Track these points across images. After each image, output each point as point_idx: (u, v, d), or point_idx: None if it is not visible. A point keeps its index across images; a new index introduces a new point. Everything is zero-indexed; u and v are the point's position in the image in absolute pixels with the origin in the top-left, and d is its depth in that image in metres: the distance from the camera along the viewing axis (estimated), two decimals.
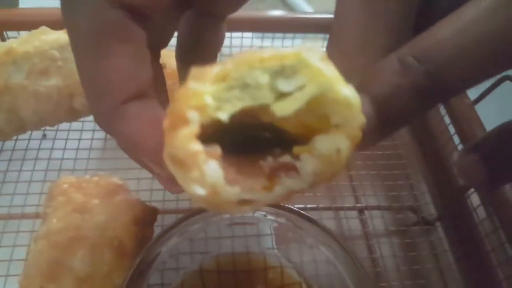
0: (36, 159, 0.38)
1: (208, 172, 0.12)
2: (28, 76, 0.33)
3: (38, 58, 0.34)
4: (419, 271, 0.35)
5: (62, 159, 0.38)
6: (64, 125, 0.39)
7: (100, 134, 0.41)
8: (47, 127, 0.38)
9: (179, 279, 0.30)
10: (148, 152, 0.16)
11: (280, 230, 0.33)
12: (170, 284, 0.29)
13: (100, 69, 0.15)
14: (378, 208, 0.38)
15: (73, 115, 0.35)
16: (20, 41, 0.35)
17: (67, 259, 0.26)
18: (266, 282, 0.32)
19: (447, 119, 0.41)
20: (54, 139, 0.40)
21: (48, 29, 0.36)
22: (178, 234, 0.28)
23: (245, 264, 0.32)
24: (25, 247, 0.33)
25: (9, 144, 0.39)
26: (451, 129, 0.40)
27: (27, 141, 0.39)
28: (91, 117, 0.39)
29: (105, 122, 0.17)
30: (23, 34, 0.40)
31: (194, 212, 0.28)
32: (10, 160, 0.38)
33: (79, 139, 0.40)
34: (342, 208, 0.38)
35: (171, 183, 0.17)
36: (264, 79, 0.13)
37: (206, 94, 0.12)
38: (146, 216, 0.29)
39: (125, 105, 0.16)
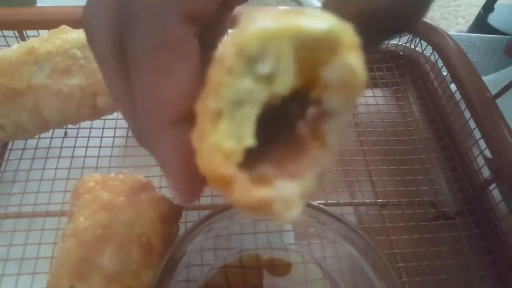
0: (59, 157, 0.39)
1: (290, 199, 0.13)
2: (50, 75, 0.33)
3: (60, 57, 0.34)
4: (441, 266, 0.35)
5: (85, 157, 0.39)
6: (86, 123, 0.39)
7: (122, 132, 0.41)
8: (69, 125, 0.39)
9: (204, 276, 0.30)
10: (179, 180, 0.16)
11: (301, 226, 0.33)
12: (196, 280, 0.30)
13: (159, 86, 0.15)
14: (398, 203, 0.38)
15: (96, 113, 0.35)
16: (41, 40, 0.35)
17: (96, 257, 0.27)
18: (290, 278, 0.32)
19: (467, 114, 0.41)
20: (76, 137, 0.40)
21: (68, 28, 0.36)
22: (203, 232, 0.28)
23: (268, 260, 0.32)
24: (51, 245, 0.33)
25: (31, 142, 0.40)
26: (472, 124, 0.39)
27: (49, 140, 0.40)
28: (113, 115, 0.39)
29: (146, 139, 0.17)
30: (42, 33, 0.40)
31: (218, 210, 0.28)
32: (33, 158, 0.39)
33: (101, 137, 0.40)
34: (362, 204, 0.38)
35: (189, 201, 0.17)
36: (247, 83, 0.12)
37: (221, 141, 0.12)
38: (172, 213, 0.30)
39: (172, 127, 0.16)
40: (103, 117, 0.39)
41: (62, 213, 0.35)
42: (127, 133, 0.41)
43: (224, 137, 0.12)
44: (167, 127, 0.16)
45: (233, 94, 0.12)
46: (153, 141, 0.16)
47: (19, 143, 0.40)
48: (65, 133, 0.40)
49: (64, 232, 0.29)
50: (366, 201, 0.38)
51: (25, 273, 0.32)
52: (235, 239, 0.32)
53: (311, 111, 0.13)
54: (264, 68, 0.12)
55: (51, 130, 0.39)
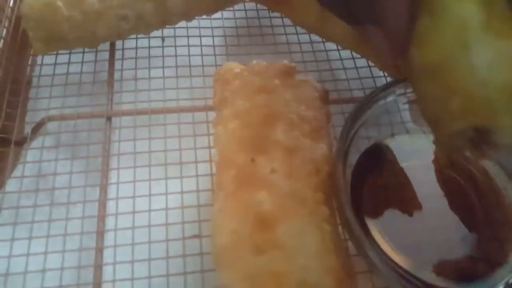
0: (163, 56, 0.38)
1: None
2: None
3: None
4: None
5: (189, 55, 0.38)
6: (182, 25, 0.38)
7: (219, 31, 0.40)
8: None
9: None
10: None
11: None
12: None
13: None
14: None
15: (218, 5, 0.34)
16: None
17: (269, 133, 0.27)
18: None
19: None
20: (175, 36, 0.39)
21: None
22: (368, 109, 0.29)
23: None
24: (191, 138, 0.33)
25: (131, 43, 0.38)
26: None
27: (147, 39, 0.39)
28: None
29: None
30: None
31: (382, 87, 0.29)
32: (136, 58, 0.38)
33: (200, 36, 0.39)
34: None
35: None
36: None
37: None
38: (325, 94, 0.30)
39: None
40: (197, 19, 0.38)
41: (180, 109, 0.35)
42: (224, 33, 0.40)
43: None
44: None
45: None
46: None
47: (118, 44, 0.38)
48: (163, 39, 0.39)
49: (220, 118, 0.29)
50: None
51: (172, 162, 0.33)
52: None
53: None
54: None
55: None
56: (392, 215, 0.29)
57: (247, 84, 0.30)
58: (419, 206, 0.30)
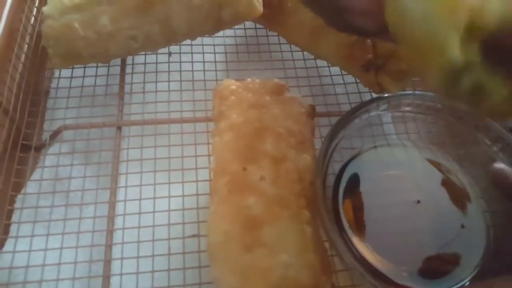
0: (168, 71, 0.41)
1: None
2: None
3: None
4: None
5: (192, 71, 0.42)
6: (186, 42, 0.41)
7: (221, 48, 0.44)
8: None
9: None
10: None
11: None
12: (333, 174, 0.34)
13: None
14: None
15: (217, 27, 0.38)
16: None
17: (259, 144, 0.30)
18: None
19: None
20: (180, 53, 0.43)
21: None
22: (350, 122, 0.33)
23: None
24: (192, 146, 0.37)
25: (139, 58, 0.42)
26: None
27: (155, 55, 0.42)
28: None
29: None
30: None
31: (360, 105, 0.33)
32: (144, 72, 0.41)
33: (203, 53, 0.43)
34: None
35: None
36: None
37: None
38: (311, 109, 0.34)
39: None
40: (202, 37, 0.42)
41: (182, 120, 0.39)
42: (225, 49, 0.44)
43: None
44: None
45: None
46: None
47: (129, 59, 0.42)
48: (170, 53, 0.43)
49: (217, 130, 0.33)
50: None
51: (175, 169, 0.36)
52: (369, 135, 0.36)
53: None
54: None
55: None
56: (371, 220, 0.32)
57: (241, 100, 0.33)
58: (395, 212, 0.33)
